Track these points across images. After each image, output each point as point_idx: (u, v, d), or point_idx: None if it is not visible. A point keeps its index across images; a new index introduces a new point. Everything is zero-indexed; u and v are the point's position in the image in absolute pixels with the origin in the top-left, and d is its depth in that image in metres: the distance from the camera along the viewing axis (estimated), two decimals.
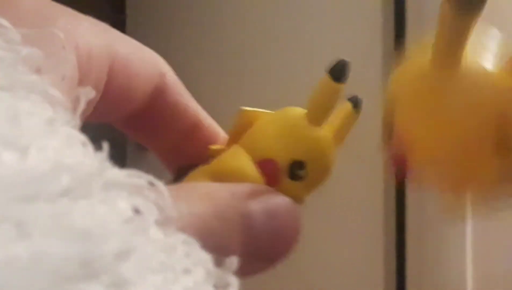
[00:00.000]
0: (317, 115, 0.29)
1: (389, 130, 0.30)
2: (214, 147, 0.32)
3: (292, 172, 0.29)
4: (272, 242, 0.25)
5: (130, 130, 0.31)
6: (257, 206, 0.25)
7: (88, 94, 0.19)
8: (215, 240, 0.19)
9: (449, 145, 0.28)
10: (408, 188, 1.08)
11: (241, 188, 0.26)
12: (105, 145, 0.15)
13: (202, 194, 0.22)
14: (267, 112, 0.33)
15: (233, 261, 0.16)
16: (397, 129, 0.29)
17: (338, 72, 0.30)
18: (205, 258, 0.15)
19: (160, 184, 0.15)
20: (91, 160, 0.15)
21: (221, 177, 0.28)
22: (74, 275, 0.13)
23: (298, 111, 0.31)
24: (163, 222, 0.15)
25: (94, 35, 0.26)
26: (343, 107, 0.32)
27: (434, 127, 0.29)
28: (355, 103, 0.32)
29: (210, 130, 0.34)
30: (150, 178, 0.15)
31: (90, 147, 0.15)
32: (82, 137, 0.16)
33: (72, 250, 0.13)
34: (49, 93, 0.17)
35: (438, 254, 1.10)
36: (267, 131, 0.31)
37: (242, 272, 0.16)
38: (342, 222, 1.19)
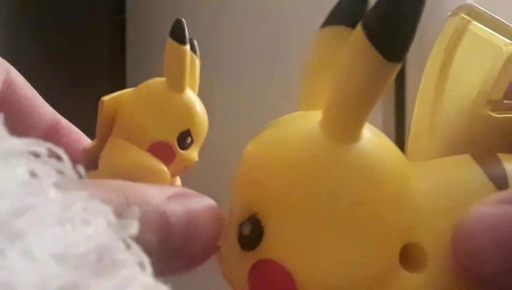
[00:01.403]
0: (178, 81, 0.29)
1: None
2: (88, 145, 0.31)
3: (182, 144, 0.30)
4: (190, 241, 0.23)
5: None
6: (177, 205, 0.23)
7: None
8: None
9: (344, 257, 0.20)
10: None
11: (159, 187, 0.24)
12: (0, 116, 0.15)
13: (116, 187, 0.21)
14: (127, 92, 0.32)
15: (134, 211, 0.16)
16: (270, 242, 0.21)
17: (180, 34, 0.30)
18: (105, 209, 0.15)
19: (59, 150, 0.15)
20: None
21: (119, 178, 0.25)
22: None
23: (159, 83, 0.30)
24: (63, 185, 0.15)
25: None
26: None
27: (323, 234, 0.20)
28: (191, 46, 0.32)
29: (71, 130, 0.32)
30: (49, 145, 0.15)
31: None
32: None
33: None
34: None
35: None
36: (139, 114, 0.30)
37: (162, 270, 0.16)
38: None
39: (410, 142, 0.25)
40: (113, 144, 0.31)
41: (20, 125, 0.32)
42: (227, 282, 0.24)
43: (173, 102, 0.31)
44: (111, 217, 0.15)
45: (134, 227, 0.14)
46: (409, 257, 0.21)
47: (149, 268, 0.14)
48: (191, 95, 0.31)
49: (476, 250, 0.20)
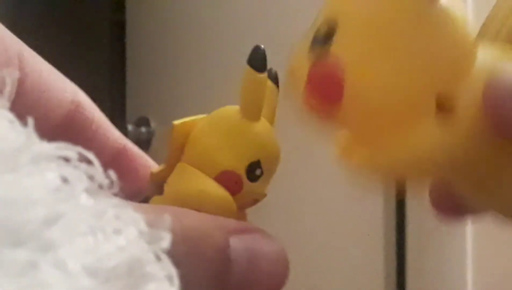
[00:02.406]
0: (253, 110, 0.29)
1: (325, 36, 0.26)
2: (155, 170, 0.31)
3: (251, 175, 0.29)
4: (249, 285, 0.21)
5: None
6: (239, 245, 0.21)
7: (12, 74, 0.18)
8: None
9: (393, 78, 0.25)
10: (409, 190, 1.08)
11: (222, 220, 0.22)
12: (30, 121, 0.15)
13: (174, 214, 0.19)
14: (200, 118, 0.31)
15: (166, 219, 0.15)
16: (338, 44, 0.25)
17: (259, 61, 0.30)
18: (137, 218, 0.15)
19: (90, 155, 0.15)
20: (16, 135, 0.15)
21: (184, 205, 0.26)
22: None
23: (233, 111, 0.30)
24: (95, 191, 0.15)
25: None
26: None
27: (385, 53, 0.25)
28: (272, 77, 0.32)
29: (138, 155, 0.31)
30: (80, 149, 0.15)
31: (17, 124, 0.15)
32: (9, 115, 0.16)
33: None
34: None
35: (438, 255, 1.10)
36: (209, 141, 0.30)
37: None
38: (343, 221, 1.19)
39: (481, 28, 0.29)
40: (181, 170, 0.30)
41: (87, 148, 0.32)
42: (289, 76, 0.27)
43: (245, 131, 0.31)
44: (143, 225, 0.15)
45: (166, 240, 0.14)
46: (444, 106, 0.25)
47: (177, 282, 0.14)
48: (265, 125, 0.31)
49: (506, 109, 0.22)
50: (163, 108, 1.33)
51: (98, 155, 0.32)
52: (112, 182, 0.15)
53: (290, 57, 0.26)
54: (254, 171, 0.29)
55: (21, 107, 0.25)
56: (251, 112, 0.29)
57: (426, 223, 1.09)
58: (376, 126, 0.25)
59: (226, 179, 0.29)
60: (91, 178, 0.15)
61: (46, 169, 0.14)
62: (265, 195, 0.31)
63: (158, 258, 0.14)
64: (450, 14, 0.25)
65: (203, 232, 0.21)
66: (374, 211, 1.15)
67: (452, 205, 0.28)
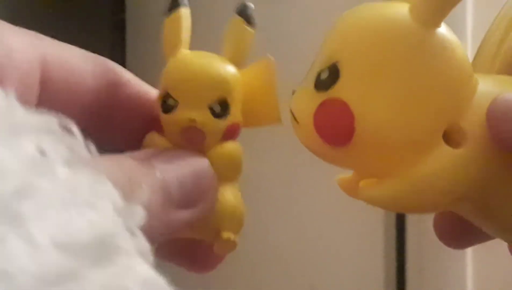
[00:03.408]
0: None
1: (332, 76, 0.26)
2: None
3: (165, 107, 0.32)
4: (190, 196, 0.25)
5: (93, 128, 0.32)
6: (169, 173, 0.25)
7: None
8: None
9: (402, 115, 0.25)
10: None
11: (145, 153, 0.25)
12: (11, 90, 0.15)
13: (113, 159, 0.23)
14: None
15: (142, 194, 0.16)
16: (342, 86, 0.25)
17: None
18: (112, 192, 0.15)
19: (72, 125, 0.15)
20: None
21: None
22: None
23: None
24: (74, 162, 0.15)
25: (17, 34, 0.27)
26: (235, 26, 0.33)
27: (390, 91, 0.25)
28: (246, 17, 0.33)
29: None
30: (62, 119, 0.15)
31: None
32: None
33: None
34: None
35: (438, 255, 1.10)
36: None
37: (166, 223, 0.16)
38: (342, 222, 1.19)
39: (475, 59, 0.29)
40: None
41: (125, 111, 0.33)
42: (291, 118, 0.27)
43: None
44: (118, 200, 0.15)
45: (139, 214, 0.14)
46: (451, 135, 0.25)
47: (151, 257, 0.14)
48: (184, 56, 0.33)
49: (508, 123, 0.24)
50: None
51: (142, 114, 0.34)
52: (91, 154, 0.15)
53: (293, 98, 0.27)
54: (166, 102, 0.32)
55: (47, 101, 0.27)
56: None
57: (426, 224, 1.09)
58: (386, 161, 0.26)
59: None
60: (71, 149, 0.15)
61: (24, 139, 0.14)
62: (193, 120, 0.32)
63: (132, 233, 0.14)
64: (447, 42, 0.25)
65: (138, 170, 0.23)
66: (374, 211, 1.15)
67: (457, 234, 0.29)
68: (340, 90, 0.25)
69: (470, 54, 0.28)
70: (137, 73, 1.57)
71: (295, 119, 0.27)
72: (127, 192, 0.16)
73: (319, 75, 0.26)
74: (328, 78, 0.26)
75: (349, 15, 0.27)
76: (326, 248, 1.19)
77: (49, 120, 0.15)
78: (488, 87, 0.26)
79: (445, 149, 0.25)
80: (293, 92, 0.27)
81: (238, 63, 0.33)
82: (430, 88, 0.25)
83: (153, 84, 1.54)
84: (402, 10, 0.25)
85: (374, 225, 1.15)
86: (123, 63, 1.52)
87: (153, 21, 1.55)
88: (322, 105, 0.25)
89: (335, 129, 0.26)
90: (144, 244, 0.14)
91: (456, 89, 0.25)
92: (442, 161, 0.25)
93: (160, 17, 1.37)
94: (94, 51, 1.37)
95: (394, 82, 0.25)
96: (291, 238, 1.21)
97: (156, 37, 1.57)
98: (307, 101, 0.26)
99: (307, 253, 1.20)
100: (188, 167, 0.26)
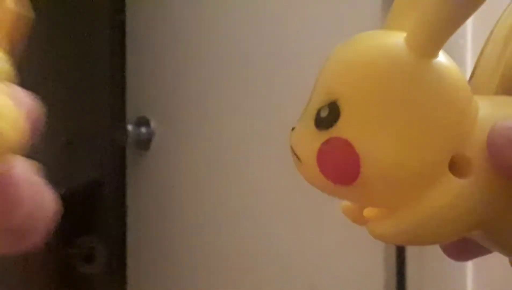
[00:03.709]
0: None
1: (332, 116, 0.26)
2: None
3: None
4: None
5: None
6: None
7: None
8: None
9: (406, 151, 0.24)
10: None
11: None
12: None
13: None
14: None
15: None
16: (344, 125, 0.25)
17: None
18: None
19: None
20: None
21: None
22: None
23: None
24: None
25: None
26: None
27: (393, 127, 0.25)
28: None
29: None
30: None
31: None
32: None
33: None
34: None
35: (439, 256, 1.09)
36: None
37: None
38: (342, 222, 1.19)
39: (473, 80, 0.28)
40: None
41: None
42: (293, 155, 0.27)
43: None
44: None
45: None
46: (456, 165, 0.25)
47: None
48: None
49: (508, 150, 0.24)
50: (163, 108, 1.33)
51: None
52: None
53: (293, 135, 0.26)
54: None
55: None
56: None
57: None
58: (393, 195, 0.25)
59: None
60: None
61: None
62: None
63: None
64: (445, 71, 0.24)
65: None
66: None
67: (461, 248, 0.29)
68: (342, 129, 0.25)
69: (470, 58, 0.28)
70: (137, 73, 1.56)
71: (297, 157, 0.27)
72: None
73: (318, 113, 0.25)
74: (329, 116, 0.25)
75: (344, 49, 0.26)
76: (326, 248, 1.19)
77: None
78: (488, 110, 0.26)
79: (452, 180, 0.25)
80: (293, 129, 0.27)
81: None
82: (432, 120, 0.25)
83: (153, 84, 1.53)
84: (398, 41, 0.25)
85: None
86: (123, 63, 1.52)
87: (153, 21, 1.55)
88: (325, 144, 0.25)
89: (340, 169, 0.25)
90: None
91: (457, 118, 0.25)
92: (450, 193, 0.25)
93: (160, 17, 1.36)
94: (94, 51, 1.37)
95: (395, 118, 0.25)
96: (291, 238, 1.21)
97: (156, 37, 1.55)
98: (309, 140, 0.26)
99: (307, 253, 1.20)
100: None
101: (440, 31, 0.24)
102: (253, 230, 1.25)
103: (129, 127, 1.32)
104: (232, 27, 1.27)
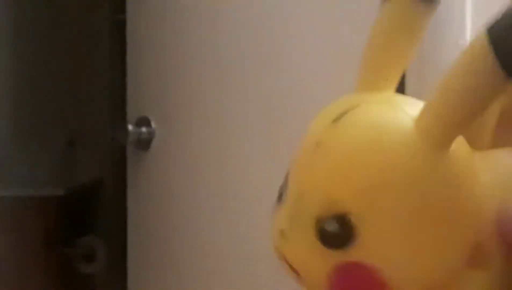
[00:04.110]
0: None
1: (347, 233, 0.23)
2: None
3: None
4: None
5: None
6: None
7: None
8: None
9: (430, 256, 0.22)
10: None
11: None
12: None
13: None
14: None
15: None
16: (364, 245, 0.22)
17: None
18: None
19: None
20: None
21: None
22: None
23: None
24: None
25: None
26: None
27: (415, 237, 0.22)
28: None
29: None
30: None
31: None
32: None
33: None
34: None
35: None
36: None
37: None
38: None
39: None
40: None
41: None
42: (281, 260, 0.25)
43: None
44: None
45: None
46: (473, 257, 0.23)
47: None
48: None
49: None
50: (163, 108, 1.33)
51: None
52: None
53: (287, 245, 0.24)
54: None
55: None
56: None
57: None
58: None
59: None
60: None
61: None
62: None
63: None
64: (459, 164, 0.23)
65: None
66: None
67: None
68: (363, 252, 0.22)
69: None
70: (137, 73, 1.56)
71: (292, 269, 0.25)
72: None
73: (321, 224, 0.23)
74: (341, 233, 0.22)
75: (341, 136, 0.23)
76: None
77: None
78: (488, 183, 0.24)
79: (471, 275, 0.24)
80: (281, 232, 0.25)
81: None
82: (452, 218, 0.23)
83: (153, 84, 1.53)
84: (408, 136, 0.22)
85: None
86: (123, 63, 1.52)
87: (153, 21, 1.55)
88: (345, 271, 0.23)
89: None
90: None
91: (472, 213, 0.24)
92: (472, 283, 0.24)
93: (160, 17, 1.36)
94: (94, 51, 1.38)
95: (416, 227, 0.23)
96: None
97: (156, 37, 1.56)
98: (315, 258, 0.23)
99: None
100: None
101: (457, 122, 0.22)
102: (253, 230, 1.25)
103: (130, 127, 1.32)
104: (232, 27, 1.27)
